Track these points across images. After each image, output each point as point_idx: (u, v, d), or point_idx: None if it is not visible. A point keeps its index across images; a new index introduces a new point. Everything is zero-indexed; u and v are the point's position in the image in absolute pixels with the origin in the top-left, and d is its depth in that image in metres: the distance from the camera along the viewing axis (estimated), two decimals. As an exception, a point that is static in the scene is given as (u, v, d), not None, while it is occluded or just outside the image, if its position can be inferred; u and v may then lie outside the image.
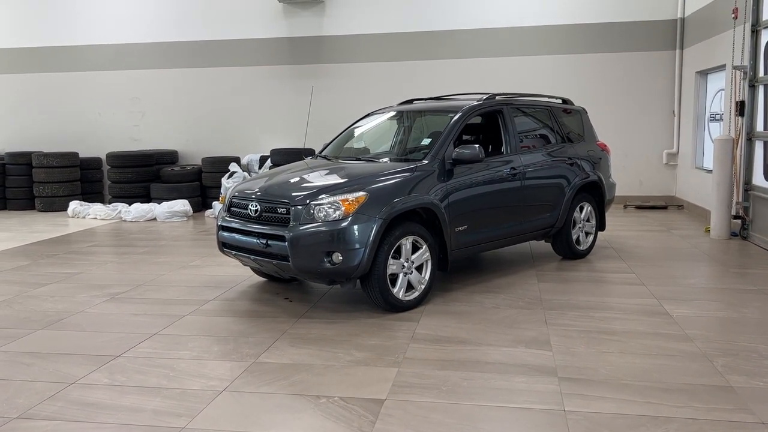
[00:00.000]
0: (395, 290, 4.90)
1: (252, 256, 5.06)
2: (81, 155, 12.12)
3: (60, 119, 12.55)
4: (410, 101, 6.96)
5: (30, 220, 10.44)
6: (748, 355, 3.97)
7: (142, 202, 10.91)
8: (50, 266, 6.87)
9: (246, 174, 10.74)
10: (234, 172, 10.62)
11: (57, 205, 11.42)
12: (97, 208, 10.62)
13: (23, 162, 11.74)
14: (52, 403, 3.45)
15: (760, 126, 7.44)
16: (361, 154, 6.18)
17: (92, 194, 12.06)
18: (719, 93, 9.35)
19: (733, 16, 7.95)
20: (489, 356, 4.01)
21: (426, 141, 5.76)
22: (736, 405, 3.29)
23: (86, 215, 10.62)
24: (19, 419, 3.27)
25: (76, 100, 12.46)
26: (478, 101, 6.05)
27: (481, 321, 4.71)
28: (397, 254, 4.92)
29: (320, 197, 4.80)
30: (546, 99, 6.91)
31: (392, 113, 6.53)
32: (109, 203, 11.30)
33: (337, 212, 4.71)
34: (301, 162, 6.20)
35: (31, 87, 12.59)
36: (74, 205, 10.81)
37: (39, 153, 11.55)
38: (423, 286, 5.10)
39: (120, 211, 10.45)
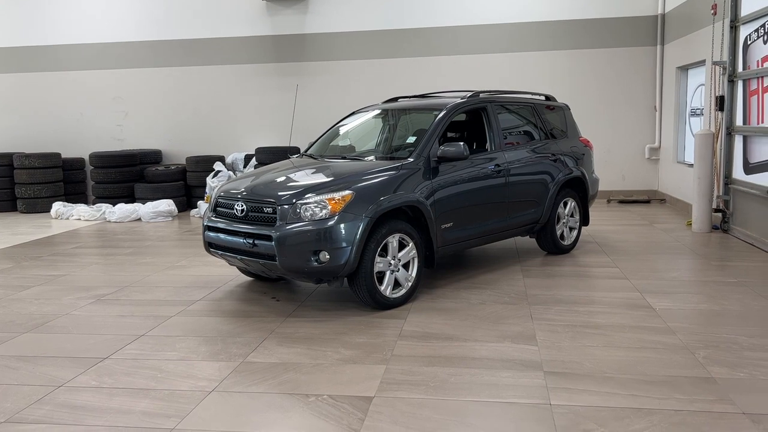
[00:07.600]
0: (382, 288, 4.93)
1: (239, 256, 5.06)
2: (63, 156, 12.02)
3: (42, 120, 12.41)
4: (395, 99, 6.98)
5: (12, 222, 10.34)
6: (729, 346, 4.05)
7: (126, 203, 10.85)
8: (34, 268, 6.81)
9: (231, 173, 10.71)
10: (219, 171, 10.58)
11: (40, 206, 11.31)
12: (80, 209, 10.54)
13: (4, 163, 11.59)
14: (40, 406, 3.44)
15: (739, 120, 7.55)
16: (347, 153, 6.19)
17: (75, 195, 11.96)
18: (699, 88, 9.47)
19: (712, 12, 8.06)
20: (476, 352, 4.05)
21: (411, 139, 5.78)
22: (718, 396, 3.36)
23: (70, 216, 10.53)
24: (7, 423, 3.26)
25: (58, 100, 12.33)
26: (462, 99, 6.09)
27: (467, 317, 4.76)
28: (384, 252, 4.94)
29: (306, 196, 4.80)
30: (529, 96, 6.96)
31: (377, 111, 6.54)
32: (93, 204, 11.21)
33: (324, 211, 4.72)
34: (286, 161, 6.19)
35: (13, 87, 12.43)
36: (57, 207, 10.71)
37: (21, 154, 11.42)
38: (410, 284, 5.13)
39: (104, 212, 10.37)
